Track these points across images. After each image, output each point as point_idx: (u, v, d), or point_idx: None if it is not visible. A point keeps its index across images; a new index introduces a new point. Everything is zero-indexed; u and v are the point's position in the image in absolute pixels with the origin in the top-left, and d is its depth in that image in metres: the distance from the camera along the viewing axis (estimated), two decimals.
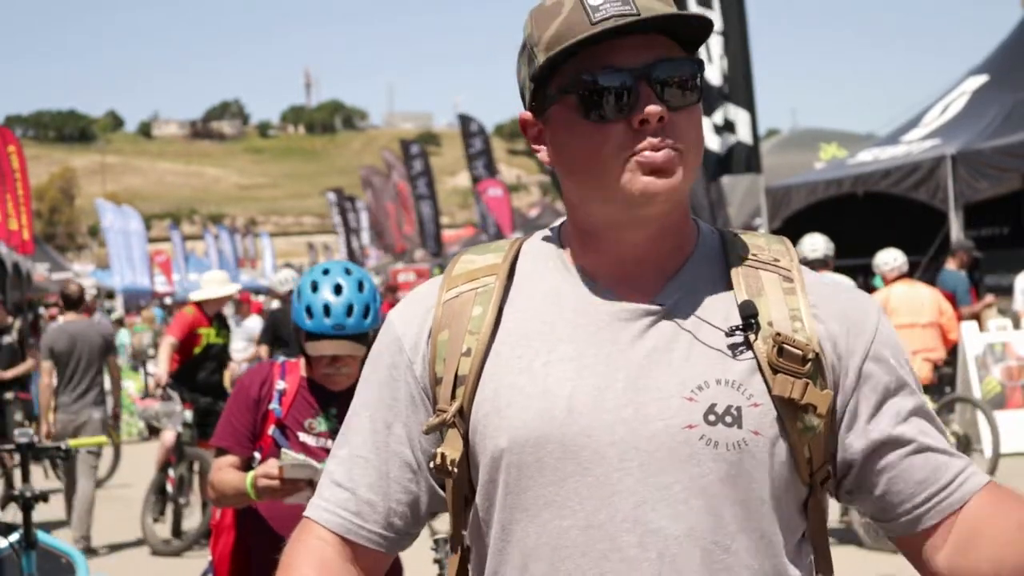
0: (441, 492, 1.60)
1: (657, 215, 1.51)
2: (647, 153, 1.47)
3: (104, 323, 10.85)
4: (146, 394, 16.02)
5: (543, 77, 1.52)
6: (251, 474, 3.39)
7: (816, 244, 9.05)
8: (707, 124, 12.24)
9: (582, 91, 1.49)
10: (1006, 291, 12.04)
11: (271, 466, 3.34)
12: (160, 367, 9.24)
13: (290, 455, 3.30)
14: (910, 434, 1.53)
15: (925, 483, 1.52)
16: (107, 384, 9.68)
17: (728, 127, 12.27)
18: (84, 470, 9.14)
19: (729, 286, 1.54)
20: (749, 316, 1.49)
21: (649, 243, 1.54)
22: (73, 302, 9.74)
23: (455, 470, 1.53)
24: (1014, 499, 1.52)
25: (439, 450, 1.53)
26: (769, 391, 1.48)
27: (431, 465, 1.55)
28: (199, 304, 9.41)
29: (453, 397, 1.54)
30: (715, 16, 12.38)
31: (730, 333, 1.50)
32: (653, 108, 1.46)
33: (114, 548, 9.00)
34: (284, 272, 12.65)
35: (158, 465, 9.15)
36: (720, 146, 12.22)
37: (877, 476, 1.54)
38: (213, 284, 9.54)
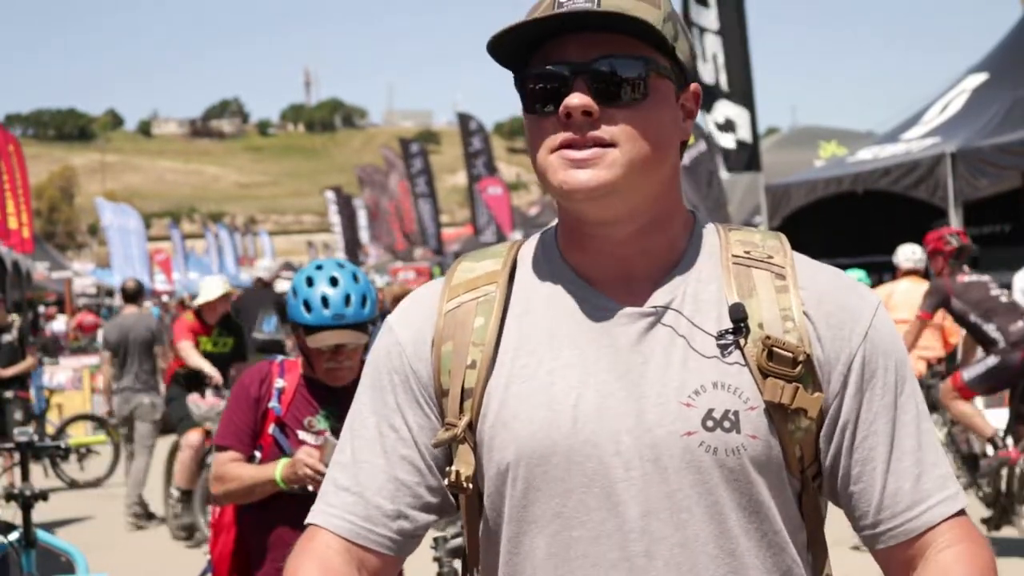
0: (452, 497, 1.60)
1: (606, 213, 1.50)
2: (569, 151, 1.47)
3: (151, 316, 11.24)
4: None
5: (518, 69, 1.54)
6: (284, 461, 3.42)
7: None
8: (706, 122, 12.27)
9: (524, 83, 1.52)
10: (1006, 289, 12.03)
11: (310, 452, 3.37)
12: (206, 367, 9.10)
13: (332, 441, 3.32)
14: (876, 451, 1.51)
15: (881, 506, 1.52)
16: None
17: (727, 126, 12.28)
18: (140, 449, 9.92)
19: (723, 286, 1.53)
20: (739, 319, 1.49)
21: (633, 242, 1.53)
22: (131, 296, 10.58)
23: (469, 486, 1.52)
24: (966, 553, 1.50)
25: (453, 468, 1.53)
26: (761, 395, 1.47)
27: (445, 482, 1.54)
28: (198, 312, 9.42)
29: (461, 411, 1.53)
30: (711, 15, 12.38)
31: (720, 336, 1.49)
32: (573, 100, 1.46)
33: (114, 548, 9.00)
34: (263, 261, 12.87)
35: (188, 472, 8.85)
36: (724, 142, 12.24)
37: (843, 487, 1.54)
38: (207, 288, 9.55)
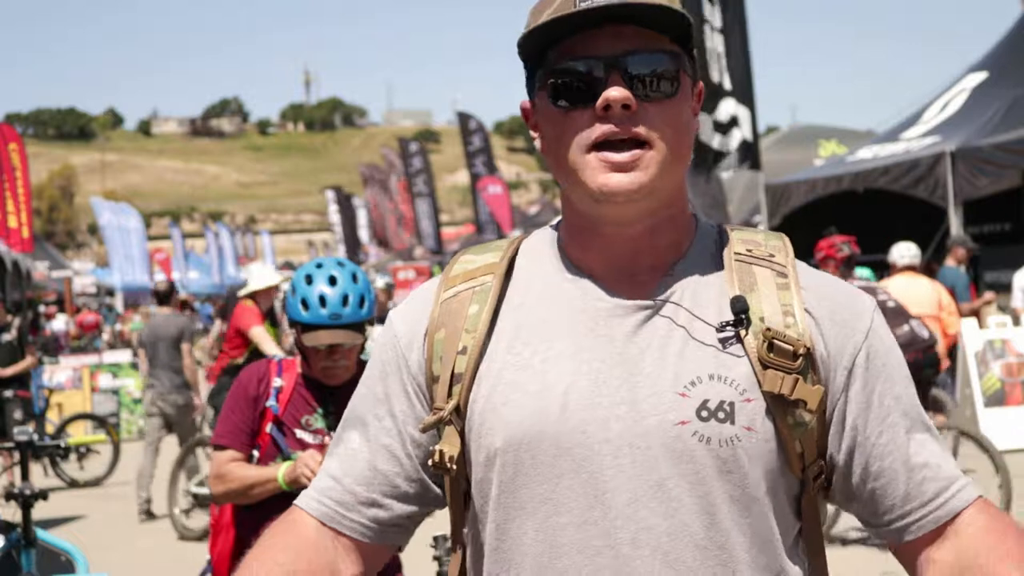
0: (435, 489, 1.61)
1: (631, 213, 1.50)
2: (610, 153, 1.46)
3: (181, 317, 11.72)
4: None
5: (533, 64, 1.54)
6: (287, 465, 3.42)
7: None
8: (707, 121, 12.28)
9: (553, 77, 1.50)
10: (1006, 288, 12.04)
11: (313, 455, 3.37)
12: (281, 355, 9.06)
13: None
14: (895, 443, 1.52)
15: (908, 497, 1.52)
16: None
17: (732, 123, 12.27)
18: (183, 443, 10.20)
19: (724, 282, 1.53)
20: (740, 311, 1.49)
21: (642, 238, 1.54)
22: (162, 297, 11.27)
23: (454, 467, 1.53)
24: (1002, 525, 1.51)
25: (437, 447, 1.54)
26: (760, 386, 1.48)
27: (430, 462, 1.56)
28: (253, 298, 9.39)
29: (449, 395, 1.54)
30: (717, 13, 12.37)
31: (721, 328, 1.50)
32: (614, 92, 1.45)
33: (114, 547, 9.00)
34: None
35: None
36: (720, 143, 12.21)
37: (860, 483, 1.54)
38: (261, 275, 9.54)
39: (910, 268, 10.02)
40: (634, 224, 1.52)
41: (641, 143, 1.47)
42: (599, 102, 1.46)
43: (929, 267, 11.89)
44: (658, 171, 1.47)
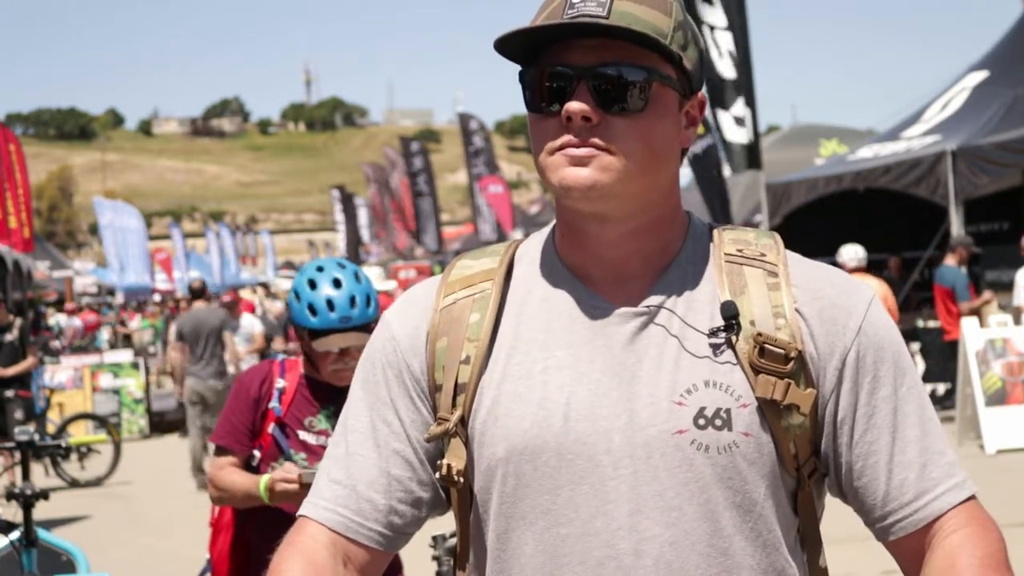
0: (442, 493, 1.60)
1: (600, 210, 1.50)
2: (570, 149, 1.48)
3: (220, 309, 12.93)
4: (147, 391, 16.06)
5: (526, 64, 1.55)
6: (266, 477, 3.39)
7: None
8: (727, 117, 12.33)
9: (528, 84, 1.53)
10: (1006, 287, 12.05)
11: (290, 470, 3.34)
12: None
13: (309, 469, 3.31)
14: (879, 443, 1.51)
15: (888, 498, 1.52)
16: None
17: (740, 121, 12.32)
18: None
19: (715, 285, 1.53)
20: (730, 317, 1.49)
21: (627, 241, 1.54)
22: (197, 293, 12.60)
23: (460, 480, 1.53)
24: (980, 534, 1.49)
25: (444, 461, 1.54)
26: (753, 391, 1.48)
27: (437, 475, 1.55)
28: None
29: (454, 406, 1.54)
30: (717, 13, 12.36)
31: (712, 334, 1.50)
32: (573, 105, 1.47)
33: (114, 547, 9.00)
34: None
35: None
36: (738, 137, 12.27)
37: (848, 482, 1.54)
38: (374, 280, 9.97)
39: (860, 270, 10.39)
40: (611, 224, 1.52)
41: (602, 149, 1.48)
42: (562, 112, 1.48)
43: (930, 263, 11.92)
44: (620, 176, 1.47)
